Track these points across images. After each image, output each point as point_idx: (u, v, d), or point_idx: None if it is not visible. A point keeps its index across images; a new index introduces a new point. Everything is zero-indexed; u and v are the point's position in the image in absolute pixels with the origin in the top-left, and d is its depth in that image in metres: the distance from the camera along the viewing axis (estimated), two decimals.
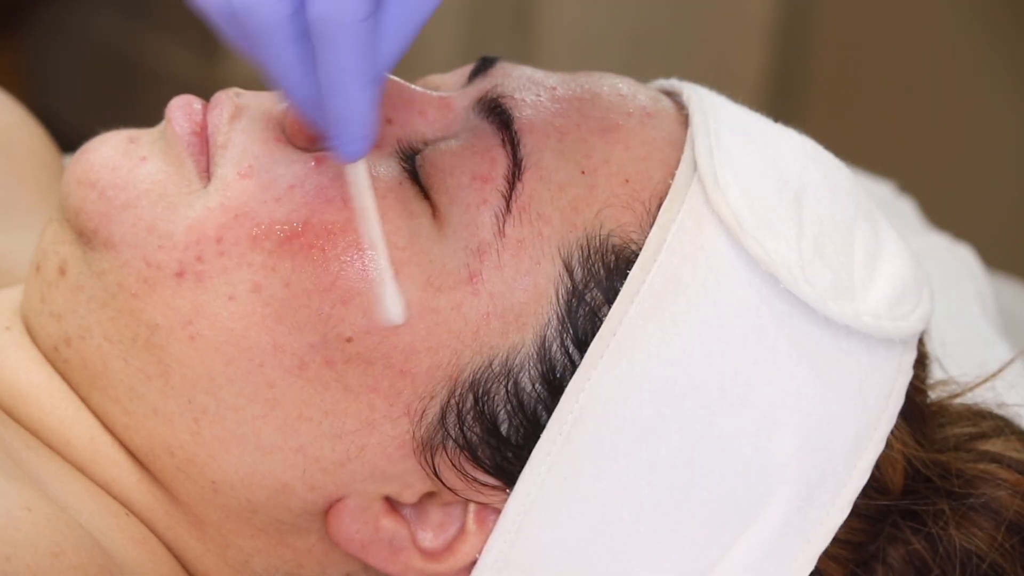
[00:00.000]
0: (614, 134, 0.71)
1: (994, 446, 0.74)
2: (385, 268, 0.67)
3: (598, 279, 0.69)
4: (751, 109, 0.77)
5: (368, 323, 0.67)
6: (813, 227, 0.71)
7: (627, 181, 0.70)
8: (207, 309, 0.68)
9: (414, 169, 0.70)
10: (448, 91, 0.74)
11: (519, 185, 0.69)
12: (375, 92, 0.63)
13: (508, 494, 0.70)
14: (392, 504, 0.71)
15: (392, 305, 0.67)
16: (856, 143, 1.21)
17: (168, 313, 0.69)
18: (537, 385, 0.69)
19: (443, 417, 0.69)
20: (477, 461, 0.69)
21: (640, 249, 0.69)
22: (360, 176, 0.66)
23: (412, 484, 0.70)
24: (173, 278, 0.69)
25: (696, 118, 0.72)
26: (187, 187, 0.70)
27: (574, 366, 0.68)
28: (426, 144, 0.71)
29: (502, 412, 0.69)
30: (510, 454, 0.69)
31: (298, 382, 0.68)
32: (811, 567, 0.71)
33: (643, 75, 0.80)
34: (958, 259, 1.25)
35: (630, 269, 0.69)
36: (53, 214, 0.74)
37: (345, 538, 0.71)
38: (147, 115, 0.80)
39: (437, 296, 0.68)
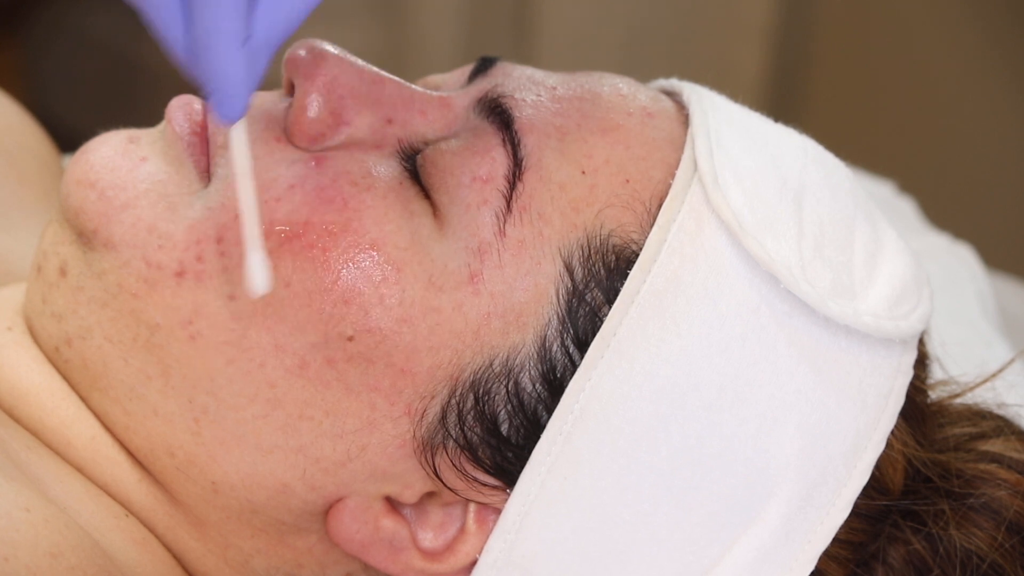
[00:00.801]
0: (615, 134, 0.71)
1: (994, 446, 0.74)
2: (254, 238, 0.63)
3: (598, 279, 0.69)
4: (751, 109, 0.77)
5: (369, 322, 0.68)
6: (813, 227, 0.71)
7: (627, 181, 0.70)
8: (207, 309, 0.68)
9: (415, 169, 0.70)
10: (448, 91, 0.74)
11: (519, 185, 0.69)
12: (245, 54, 0.61)
13: (508, 494, 0.70)
14: (392, 504, 0.71)
15: (258, 275, 0.63)
16: (856, 143, 1.20)
17: (168, 313, 0.68)
18: (537, 385, 0.69)
19: (444, 417, 0.69)
20: (477, 461, 0.69)
21: (640, 249, 0.69)
22: (238, 139, 0.64)
23: (412, 484, 0.70)
24: (173, 278, 0.68)
25: (696, 118, 0.72)
26: (187, 187, 0.70)
27: (574, 366, 0.68)
28: (426, 144, 0.71)
29: (502, 412, 0.69)
30: (510, 454, 0.69)
31: (299, 382, 0.68)
32: (811, 567, 0.71)
33: (643, 75, 0.80)
34: (958, 259, 1.25)
35: (630, 269, 0.69)
36: (53, 215, 0.74)
37: (345, 538, 0.71)
38: (147, 115, 0.80)
39: (438, 296, 0.68)
